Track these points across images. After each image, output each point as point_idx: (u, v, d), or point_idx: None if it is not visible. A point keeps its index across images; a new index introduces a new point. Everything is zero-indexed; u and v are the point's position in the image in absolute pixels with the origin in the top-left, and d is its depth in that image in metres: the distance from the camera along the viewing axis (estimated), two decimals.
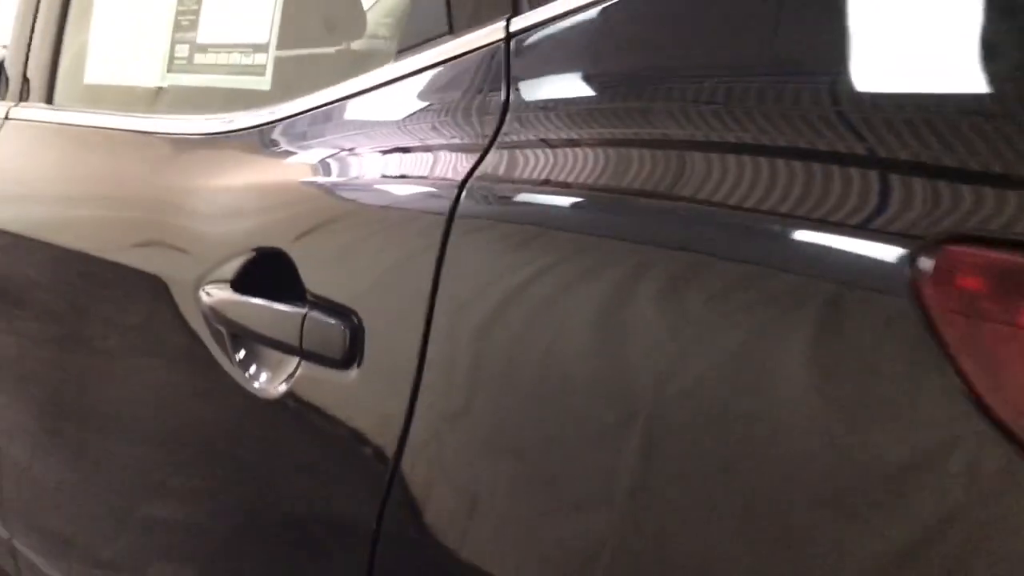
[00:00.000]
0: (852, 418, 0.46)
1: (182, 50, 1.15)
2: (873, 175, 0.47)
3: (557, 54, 0.69)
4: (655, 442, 0.53)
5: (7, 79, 1.47)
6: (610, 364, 0.56)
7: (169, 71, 1.18)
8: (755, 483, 0.49)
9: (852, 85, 0.51)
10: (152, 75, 1.20)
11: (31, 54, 1.40)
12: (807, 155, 0.51)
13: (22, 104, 1.41)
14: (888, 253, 0.46)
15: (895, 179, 0.47)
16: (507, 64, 0.70)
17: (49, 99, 1.36)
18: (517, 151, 0.66)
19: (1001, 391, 0.42)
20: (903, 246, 0.45)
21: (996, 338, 0.42)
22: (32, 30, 1.39)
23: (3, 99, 1.46)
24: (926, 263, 0.44)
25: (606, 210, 0.60)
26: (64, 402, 1.20)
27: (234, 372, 0.86)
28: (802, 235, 0.50)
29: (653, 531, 0.53)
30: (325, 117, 0.87)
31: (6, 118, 1.41)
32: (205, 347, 0.89)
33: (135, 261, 1.03)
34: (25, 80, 1.41)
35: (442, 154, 0.73)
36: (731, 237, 0.52)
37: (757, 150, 0.53)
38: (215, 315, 0.88)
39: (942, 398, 0.43)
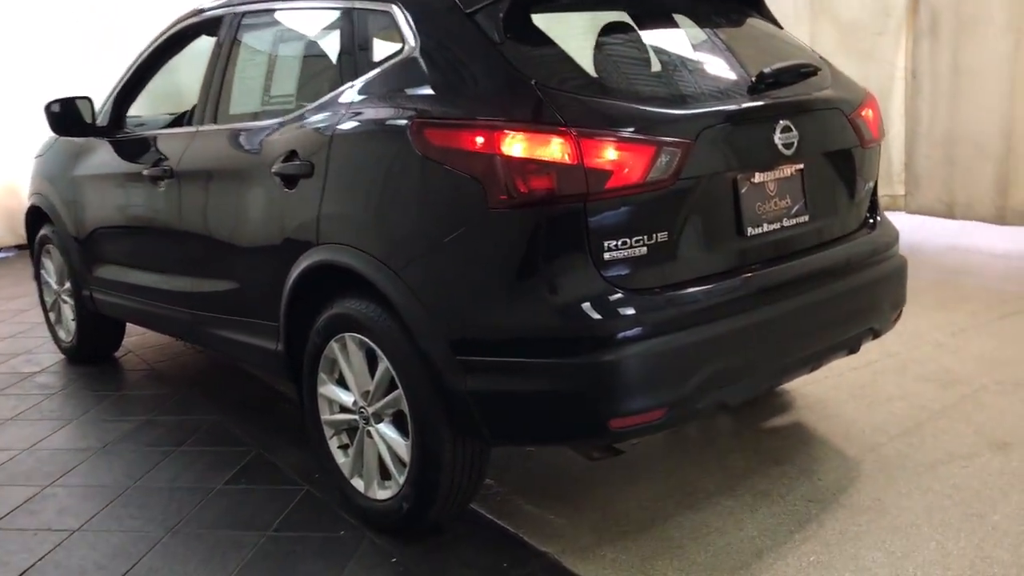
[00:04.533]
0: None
1: (265, 97, 3.22)
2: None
3: None
4: None
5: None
6: None
7: (260, 106, 3.25)
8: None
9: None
10: (254, 106, 3.27)
11: (208, 105, 3.47)
12: None
13: (204, 124, 3.48)
14: (401, 121, 2.45)
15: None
16: None
17: (215, 120, 3.44)
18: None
19: (420, 139, 2.41)
20: (406, 119, 2.45)
21: (419, 133, 2.42)
22: (208, 95, 3.47)
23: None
24: (411, 121, 2.45)
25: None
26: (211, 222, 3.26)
27: (282, 191, 2.87)
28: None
29: None
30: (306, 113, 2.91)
31: (198, 131, 3.48)
32: (274, 183, 2.92)
33: (248, 163, 3.08)
34: (204, 113, 3.49)
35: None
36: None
37: None
38: (276, 173, 2.90)
39: (412, 158, 2.43)
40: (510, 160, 2.27)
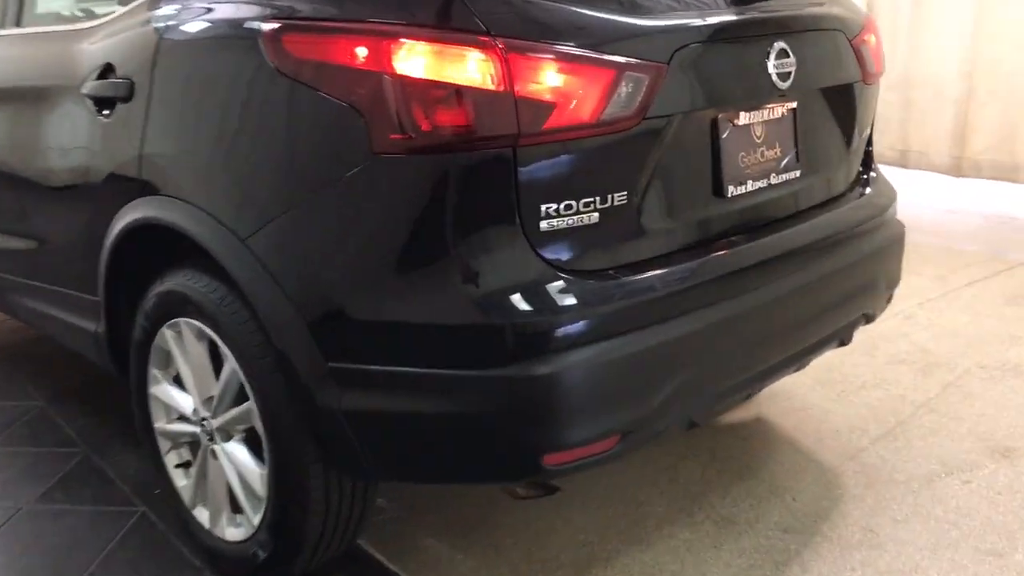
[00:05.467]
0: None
1: None
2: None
3: None
4: None
5: None
6: None
7: (75, 3, 2.42)
8: None
9: None
10: (67, 3, 2.44)
11: (9, 2, 2.61)
12: None
13: (4, 27, 2.62)
14: (253, 24, 1.68)
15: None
16: None
17: (18, 22, 2.58)
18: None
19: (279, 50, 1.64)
20: (260, 20, 1.67)
21: (277, 41, 1.65)
22: None
23: None
24: (264, 26, 1.67)
25: None
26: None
27: (96, 116, 2.08)
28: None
29: None
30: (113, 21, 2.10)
31: None
32: (85, 108, 2.11)
33: (52, 80, 2.26)
34: (5, 13, 2.63)
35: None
36: None
37: None
38: (87, 94, 2.10)
39: (268, 78, 1.66)
40: (406, 82, 1.55)
